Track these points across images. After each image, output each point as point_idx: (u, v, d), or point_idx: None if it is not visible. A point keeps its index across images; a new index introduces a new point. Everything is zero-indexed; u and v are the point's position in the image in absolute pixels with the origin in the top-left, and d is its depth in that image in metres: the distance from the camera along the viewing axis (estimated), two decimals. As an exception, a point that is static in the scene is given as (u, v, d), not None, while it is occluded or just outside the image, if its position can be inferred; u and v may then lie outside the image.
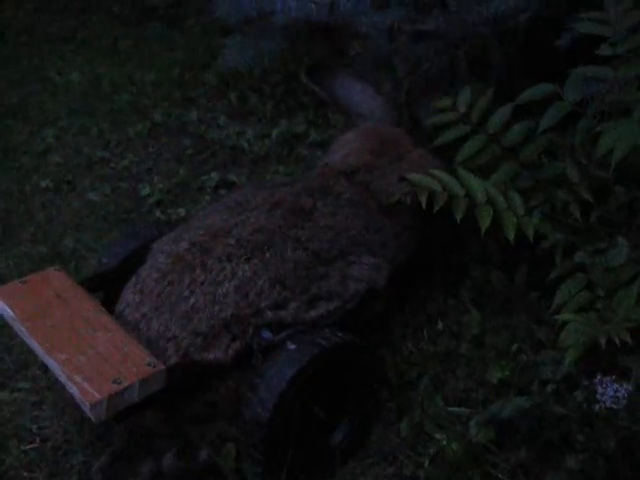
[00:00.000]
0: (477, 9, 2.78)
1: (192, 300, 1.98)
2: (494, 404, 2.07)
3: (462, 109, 2.52)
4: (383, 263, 2.29)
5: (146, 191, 3.34)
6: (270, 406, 1.86)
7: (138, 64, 4.65)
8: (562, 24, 2.62)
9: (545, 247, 2.29)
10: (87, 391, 1.73)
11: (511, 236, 2.20)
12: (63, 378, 1.80)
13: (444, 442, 2.03)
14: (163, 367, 1.82)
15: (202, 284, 2.00)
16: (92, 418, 1.73)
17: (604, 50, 2.24)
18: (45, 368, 2.42)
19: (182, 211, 3.17)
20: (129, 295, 2.06)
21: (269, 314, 2.01)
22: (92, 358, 1.83)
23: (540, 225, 2.29)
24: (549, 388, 2.02)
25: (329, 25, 4.06)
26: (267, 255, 2.08)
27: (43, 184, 3.51)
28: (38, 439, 2.24)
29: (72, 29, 5.32)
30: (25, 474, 2.13)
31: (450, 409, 2.18)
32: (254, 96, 3.98)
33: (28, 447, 2.21)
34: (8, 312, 1.99)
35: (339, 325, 2.08)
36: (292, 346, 1.93)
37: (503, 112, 2.47)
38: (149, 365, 1.81)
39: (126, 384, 1.75)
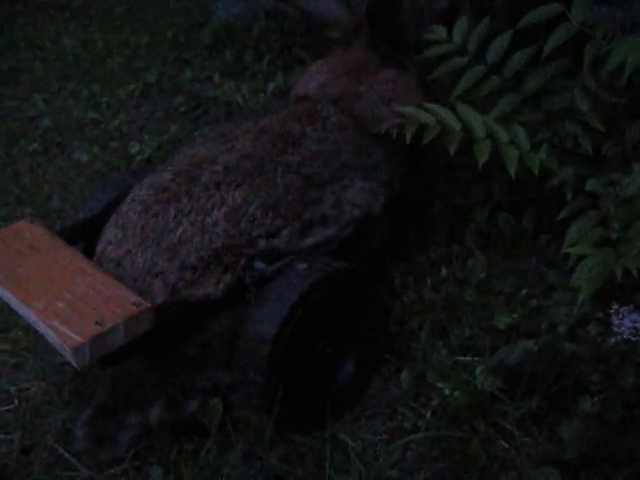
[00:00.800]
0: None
1: (179, 231, 1.83)
2: (501, 350, 1.91)
3: (458, 40, 2.34)
4: (378, 187, 2.14)
5: (136, 149, 3.20)
6: (278, 321, 1.73)
7: (133, 29, 4.52)
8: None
9: (554, 184, 2.12)
10: (67, 335, 1.59)
11: (512, 171, 2.01)
12: (41, 326, 1.65)
13: (447, 392, 1.87)
14: (150, 305, 1.67)
15: (189, 213, 1.85)
16: (75, 364, 1.59)
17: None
18: (26, 330, 2.30)
19: (172, 166, 3.01)
20: (110, 232, 1.91)
21: (262, 243, 1.86)
22: (71, 303, 1.68)
23: (548, 161, 2.11)
24: (561, 329, 1.85)
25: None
26: (257, 181, 1.93)
27: (31, 147, 3.39)
28: (16, 400, 2.11)
29: (66, -2, 5.20)
30: (1, 436, 2.00)
31: (454, 358, 2.02)
32: (250, 53, 3.81)
33: (5, 409, 2.08)
34: None
35: (335, 256, 1.93)
36: (302, 265, 1.81)
37: (502, 40, 2.27)
38: (134, 305, 1.66)
39: (110, 325, 1.61)
